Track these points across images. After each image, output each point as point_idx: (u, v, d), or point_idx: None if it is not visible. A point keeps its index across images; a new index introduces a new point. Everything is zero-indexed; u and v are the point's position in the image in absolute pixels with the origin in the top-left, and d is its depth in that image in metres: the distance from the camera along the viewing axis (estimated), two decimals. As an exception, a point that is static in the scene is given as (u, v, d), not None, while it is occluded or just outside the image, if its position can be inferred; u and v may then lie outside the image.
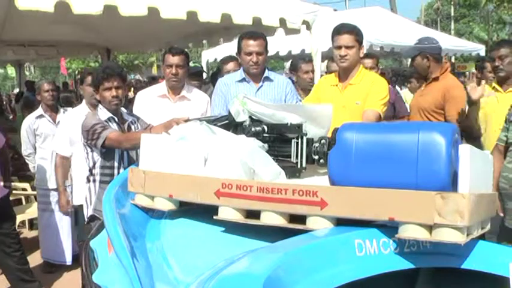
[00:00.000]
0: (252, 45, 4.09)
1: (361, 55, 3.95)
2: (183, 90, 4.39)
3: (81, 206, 3.93)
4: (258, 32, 4.38)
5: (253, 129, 2.47)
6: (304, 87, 5.45)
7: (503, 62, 4.25)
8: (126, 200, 2.56)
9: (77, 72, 26.87)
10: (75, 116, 4.48)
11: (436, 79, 4.48)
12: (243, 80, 4.19)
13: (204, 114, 4.28)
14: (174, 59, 4.25)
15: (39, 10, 4.57)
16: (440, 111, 4.36)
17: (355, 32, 3.82)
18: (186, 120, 3.04)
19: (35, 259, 5.78)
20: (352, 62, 3.80)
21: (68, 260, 5.44)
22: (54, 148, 4.89)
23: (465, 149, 1.86)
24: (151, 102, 4.38)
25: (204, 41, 8.73)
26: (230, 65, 5.31)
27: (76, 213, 4.63)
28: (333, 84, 3.95)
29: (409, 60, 10.30)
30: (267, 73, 4.22)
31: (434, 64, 4.49)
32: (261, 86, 4.18)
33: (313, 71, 5.81)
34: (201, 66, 6.66)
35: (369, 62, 5.48)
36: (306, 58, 6.18)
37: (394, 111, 5.48)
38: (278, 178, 2.25)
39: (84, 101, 4.81)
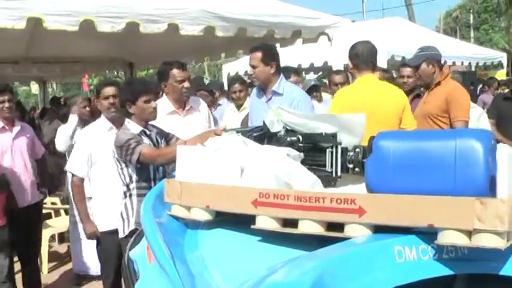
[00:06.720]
0: (250, 59, 4.25)
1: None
2: (188, 102, 4.42)
3: (105, 232, 3.93)
4: (257, 45, 4.46)
5: (288, 139, 2.51)
6: None
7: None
8: (162, 211, 2.60)
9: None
10: (95, 132, 4.24)
11: (438, 84, 4.58)
12: (259, 92, 4.39)
13: (207, 119, 4.46)
14: (185, 74, 4.24)
15: (66, 30, 4.74)
16: (445, 115, 4.42)
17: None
18: (223, 131, 3.10)
19: (65, 272, 5.88)
20: None
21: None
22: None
23: (503, 154, 1.87)
24: (160, 122, 4.02)
25: (222, 54, 8.85)
26: (337, 78, 5.83)
27: (98, 242, 4.17)
28: None
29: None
30: (275, 86, 4.27)
31: (438, 70, 4.61)
32: (270, 98, 4.29)
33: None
34: (213, 80, 6.78)
35: (339, 77, 5.73)
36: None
37: None
38: (314, 187, 2.28)
39: (102, 115, 4.35)
